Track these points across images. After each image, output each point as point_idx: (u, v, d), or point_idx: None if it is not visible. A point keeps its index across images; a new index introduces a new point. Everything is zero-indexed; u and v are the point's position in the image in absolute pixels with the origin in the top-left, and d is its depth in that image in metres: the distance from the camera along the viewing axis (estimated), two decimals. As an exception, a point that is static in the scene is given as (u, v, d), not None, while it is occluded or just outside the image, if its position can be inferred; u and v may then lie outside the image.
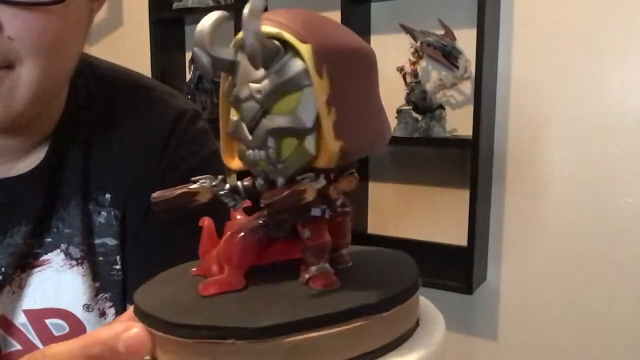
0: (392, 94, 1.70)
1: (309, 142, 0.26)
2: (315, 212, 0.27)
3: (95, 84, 0.57)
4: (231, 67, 0.27)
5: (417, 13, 1.67)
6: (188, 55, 2.15)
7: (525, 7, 1.55)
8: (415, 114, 1.60)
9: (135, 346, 0.25)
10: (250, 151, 0.27)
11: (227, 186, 0.29)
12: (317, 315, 0.24)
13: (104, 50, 2.28)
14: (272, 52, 0.26)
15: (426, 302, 0.30)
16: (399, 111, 1.63)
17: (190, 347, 0.24)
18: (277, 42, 0.26)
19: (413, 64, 1.59)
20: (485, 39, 1.45)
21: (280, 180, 0.27)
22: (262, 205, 0.26)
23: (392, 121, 1.65)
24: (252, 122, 0.27)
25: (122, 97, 0.58)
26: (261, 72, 0.26)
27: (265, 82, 0.26)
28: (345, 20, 1.64)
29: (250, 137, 0.27)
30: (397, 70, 1.61)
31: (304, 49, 0.25)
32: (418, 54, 1.59)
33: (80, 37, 0.49)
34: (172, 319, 0.25)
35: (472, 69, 1.50)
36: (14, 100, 0.43)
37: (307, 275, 0.27)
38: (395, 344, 0.26)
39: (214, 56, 0.25)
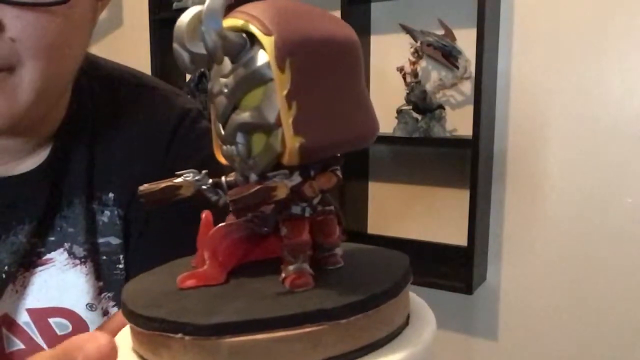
0: (392, 94, 1.70)
1: (275, 138, 0.25)
2: (295, 209, 0.27)
3: (99, 83, 0.57)
4: (210, 62, 0.26)
5: (417, 13, 1.68)
6: (188, 55, 2.15)
7: (525, 7, 1.55)
8: (415, 114, 1.60)
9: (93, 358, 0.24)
10: (225, 147, 0.27)
11: (210, 181, 0.28)
12: (268, 317, 0.23)
13: (104, 50, 2.27)
14: (238, 46, 0.25)
15: (417, 300, 0.29)
16: (399, 111, 1.63)
17: (149, 338, 0.24)
18: (243, 35, 0.25)
19: (413, 64, 1.59)
20: (485, 39, 1.45)
21: (252, 177, 0.27)
22: (228, 201, 0.25)
23: (392, 121, 1.65)
24: (223, 117, 0.26)
25: (125, 96, 0.58)
26: (230, 66, 0.26)
27: (232, 76, 0.26)
28: (345, 20, 1.64)
29: (223, 132, 0.27)
30: (397, 70, 1.61)
31: (267, 41, 0.24)
32: (418, 54, 1.59)
33: (84, 38, 0.48)
34: (135, 309, 0.25)
35: (472, 69, 1.50)
36: (17, 102, 0.43)
37: (283, 274, 0.26)
38: (367, 349, 0.24)
39: (192, 51, 0.25)
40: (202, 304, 0.25)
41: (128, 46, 2.23)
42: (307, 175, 0.27)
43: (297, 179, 0.26)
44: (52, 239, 0.54)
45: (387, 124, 1.71)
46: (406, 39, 1.63)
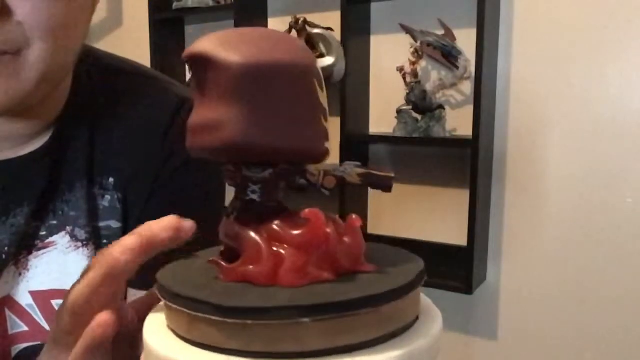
0: (392, 94, 1.70)
1: None
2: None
3: (99, 72, 0.59)
4: None
5: (417, 13, 1.68)
6: (188, 55, 2.15)
7: (525, 7, 1.55)
8: (415, 114, 1.61)
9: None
10: None
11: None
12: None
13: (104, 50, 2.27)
14: None
15: (424, 298, 0.31)
16: (398, 111, 1.63)
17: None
18: None
19: (413, 64, 1.59)
20: (485, 39, 1.46)
21: None
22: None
23: (392, 121, 1.65)
24: None
25: (124, 84, 0.60)
26: None
27: None
28: (345, 20, 1.64)
29: None
30: (397, 70, 1.61)
31: None
32: (418, 54, 1.59)
33: (84, 23, 0.51)
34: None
35: (472, 69, 1.50)
36: (24, 82, 0.45)
37: None
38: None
39: None
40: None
41: (128, 46, 2.23)
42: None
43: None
44: (54, 222, 0.55)
45: (387, 124, 1.71)
46: (406, 39, 1.63)
